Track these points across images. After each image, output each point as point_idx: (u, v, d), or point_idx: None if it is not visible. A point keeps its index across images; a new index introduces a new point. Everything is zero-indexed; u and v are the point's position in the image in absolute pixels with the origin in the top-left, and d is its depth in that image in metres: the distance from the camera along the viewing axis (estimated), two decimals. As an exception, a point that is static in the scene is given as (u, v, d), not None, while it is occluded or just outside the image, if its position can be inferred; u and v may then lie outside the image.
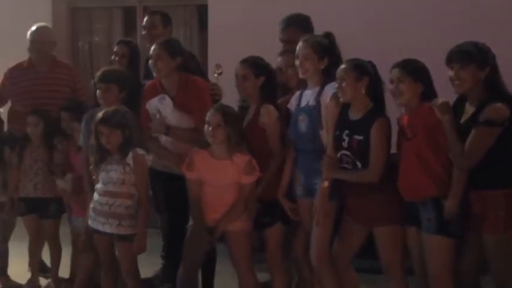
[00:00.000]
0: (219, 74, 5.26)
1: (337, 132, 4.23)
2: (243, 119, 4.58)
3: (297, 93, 4.52)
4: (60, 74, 5.79)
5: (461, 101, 4.13)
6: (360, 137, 4.14)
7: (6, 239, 5.56)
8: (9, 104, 5.91)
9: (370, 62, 4.26)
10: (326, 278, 4.37)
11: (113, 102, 4.73)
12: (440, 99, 3.97)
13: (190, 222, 4.55)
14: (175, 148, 4.82)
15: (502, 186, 3.98)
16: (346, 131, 4.19)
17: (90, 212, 4.58)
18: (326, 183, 4.23)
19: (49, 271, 5.57)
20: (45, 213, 5.38)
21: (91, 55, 8.79)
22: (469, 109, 4.06)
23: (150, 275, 5.47)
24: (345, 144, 4.20)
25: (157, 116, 4.80)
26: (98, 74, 4.90)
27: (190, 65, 5.10)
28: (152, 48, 4.88)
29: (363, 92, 4.16)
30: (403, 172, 4.11)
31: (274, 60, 4.87)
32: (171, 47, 4.82)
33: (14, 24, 7.94)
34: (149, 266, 5.46)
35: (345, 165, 4.23)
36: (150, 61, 4.87)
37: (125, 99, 4.84)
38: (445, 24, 6.43)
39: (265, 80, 4.59)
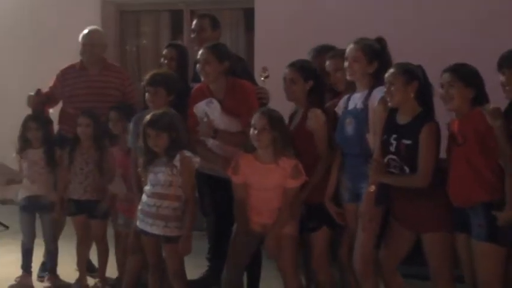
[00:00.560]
0: (266, 77, 5.27)
1: (385, 137, 4.20)
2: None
3: (345, 96, 4.50)
4: (110, 76, 5.83)
5: (512, 106, 4.08)
6: (408, 142, 4.10)
7: (55, 239, 5.62)
8: (60, 105, 5.97)
9: (419, 66, 4.22)
10: (368, 283, 4.34)
11: (161, 105, 4.77)
12: (491, 105, 3.91)
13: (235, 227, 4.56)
14: (222, 151, 4.83)
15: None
16: (394, 135, 4.16)
17: (138, 214, 4.62)
18: (372, 188, 4.21)
19: (97, 271, 5.62)
20: (93, 213, 5.43)
21: (138, 58, 8.88)
22: (521, 115, 4.00)
23: (196, 277, 5.49)
24: (392, 149, 4.16)
25: (205, 119, 4.81)
26: (147, 77, 4.94)
27: (237, 68, 5.11)
28: (200, 52, 4.89)
29: (412, 96, 4.13)
30: (453, 178, 4.06)
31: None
32: (218, 51, 4.82)
33: (63, 28, 8.09)
34: (195, 268, 5.48)
35: (392, 170, 4.19)
36: (197, 65, 4.88)
37: (174, 102, 4.88)
38: (493, 28, 6.36)
39: (314, 84, 4.58)
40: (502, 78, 4.01)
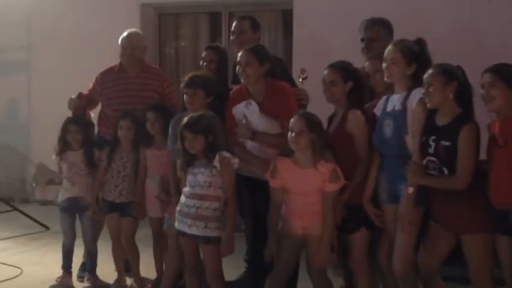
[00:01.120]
0: (304, 78, 5.25)
1: (424, 138, 4.16)
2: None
3: (384, 97, 4.47)
4: (149, 79, 5.83)
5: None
6: (447, 143, 4.06)
7: (95, 240, 5.68)
8: (99, 107, 6.03)
9: (458, 66, 4.18)
10: (408, 285, 4.31)
11: (199, 107, 4.79)
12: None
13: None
14: (260, 153, 4.82)
15: None
16: (433, 137, 4.12)
17: (177, 215, 4.64)
18: (411, 190, 4.17)
19: (132, 271, 5.67)
20: (125, 212, 5.46)
21: (177, 60, 8.92)
22: None
23: (233, 279, 5.50)
24: (431, 150, 4.12)
25: (244, 121, 4.81)
26: (185, 79, 4.95)
27: (276, 70, 5.10)
28: (240, 54, 4.88)
29: (451, 97, 4.08)
30: (494, 180, 4.01)
31: (358, 65, 4.84)
32: (259, 53, 4.81)
33: (103, 30, 8.18)
34: (233, 269, 5.50)
35: (431, 172, 4.15)
36: (237, 67, 4.88)
37: (214, 103, 4.89)
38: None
39: (353, 85, 4.56)
40: None
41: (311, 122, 4.34)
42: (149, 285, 5.50)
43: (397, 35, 4.49)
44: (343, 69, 4.59)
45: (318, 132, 4.35)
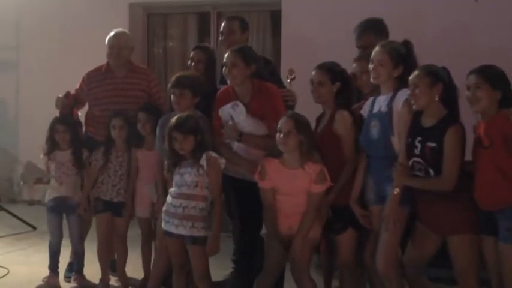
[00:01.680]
0: (292, 79, 5.26)
1: (410, 139, 4.17)
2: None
3: (370, 99, 4.48)
4: (136, 78, 5.82)
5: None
6: (433, 144, 4.07)
7: (82, 240, 5.66)
8: (86, 107, 6.02)
9: (444, 68, 4.19)
10: (392, 285, 4.31)
11: (186, 107, 4.79)
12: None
13: (263, 230, 4.56)
14: (247, 155, 4.81)
15: None
16: (419, 138, 4.13)
17: (163, 215, 4.64)
18: (397, 190, 4.18)
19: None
20: (119, 212, 5.47)
21: (166, 60, 8.92)
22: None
23: (220, 279, 5.50)
24: (417, 152, 4.14)
25: (230, 122, 4.81)
26: (172, 79, 4.95)
27: (263, 71, 5.10)
28: (226, 55, 4.88)
29: (437, 98, 4.10)
30: (480, 181, 4.03)
31: (346, 65, 4.85)
32: (245, 54, 4.80)
33: (91, 30, 8.16)
34: (220, 269, 5.50)
35: (417, 173, 4.16)
36: (224, 68, 4.88)
37: (202, 104, 4.89)
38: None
39: (341, 86, 4.57)
40: None
41: (299, 123, 4.35)
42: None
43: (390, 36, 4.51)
44: (330, 70, 4.60)
45: (306, 134, 4.35)
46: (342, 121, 4.49)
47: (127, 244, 5.59)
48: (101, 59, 5.91)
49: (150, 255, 5.48)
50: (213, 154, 4.52)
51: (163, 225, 4.65)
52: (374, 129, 4.33)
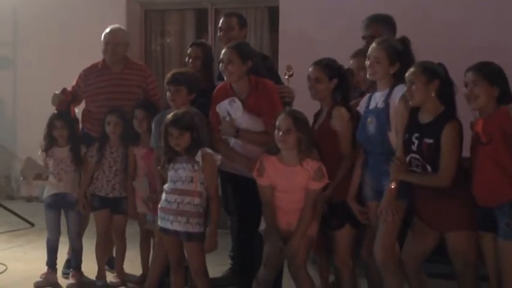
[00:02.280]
0: (290, 75, 5.26)
1: (407, 135, 4.18)
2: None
3: (367, 95, 4.49)
4: (132, 75, 5.82)
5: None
6: (430, 141, 4.07)
7: (80, 236, 5.66)
8: (83, 104, 6.01)
9: (440, 64, 4.19)
10: (390, 276, 4.31)
11: (182, 104, 4.80)
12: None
13: (261, 226, 4.56)
14: (244, 151, 4.81)
15: None
16: (416, 134, 4.13)
17: (159, 212, 4.64)
18: (393, 184, 4.19)
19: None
20: (117, 209, 5.48)
21: (163, 57, 8.91)
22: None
23: (218, 275, 5.50)
24: (414, 148, 4.14)
25: (227, 118, 4.81)
26: (168, 76, 4.94)
27: (260, 67, 5.10)
28: (223, 51, 4.88)
29: (433, 95, 4.10)
30: (478, 177, 4.03)
31: (344, 62, 4.85)
32: (242, 51, 4.80)
33: (89, 26, 8.14)
34: (218, 266, 5.50)
35: (414, 169, 4.17)
36: (220, 64, 4.88)
37: (200, 100, 4.89)
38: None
39: (338, 83, 4.57)
40: None
41: (298, 121, 4.34)
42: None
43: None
44: (328, 67, 4.60)
45: (304, 131, 4.35)
46: (339, 117, 4.49)
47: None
48: (98, 55, 5.91)
49: (149, 251, 5.47)
50: (209, 150, 4.52)
51: (159, 221, 4.65)
52: (371, 126, 4.33)
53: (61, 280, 5.65)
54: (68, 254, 5.80)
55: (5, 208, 7.73)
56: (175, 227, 4.52)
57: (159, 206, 4.63)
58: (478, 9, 6.72)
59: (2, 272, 5.85)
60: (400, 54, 4.31)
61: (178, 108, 4.69)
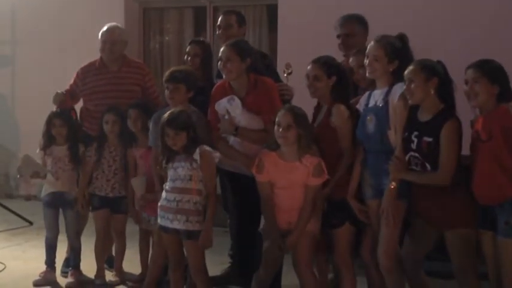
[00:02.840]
0: (289, 73, 5.24)
1: (406, 134, 4.17)
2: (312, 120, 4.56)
3: (366, 93, 4.48)
4: (130, 73, 5.82)
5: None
6: (430, 139, 4.06)
7: (79, 235, 5.65)
8: (80, 103, 6.00)
9: (439, 61, 4.18)
10: (393, 278, 4.31)
11: (180, 102, 4.79)
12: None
13: (262, 225, 4.55)
14: (243, 149, 4.81)
15: None
16: (415, 133, 4.13)
17: (159, 211, 4.64)
18: (393, 184, 4.18)
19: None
20: (117, 208, 5.48)
21: (162, 55, 8.90)
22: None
23: (218, 274, 5.48)
24: (413, 146, 4.13)
25: (226, 116, 4.80)
26: (166, 74, 4.93)
27: (259, 65, 5.09)
28: (221, 49, 4.87)
29: (432, 92, 4.09)
30: (478, 175, 4.02)
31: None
32: (240, 49, 4.80)
33: (87, 24, 8.13)
34: (217, 264, 5.50)
35: (414, 167, 4.16)
36: (219, 62, 4.87)
37: (199, 99, 4.89)
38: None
39: (337, 80, 4.56)
40: None
41: (298, 117, 4.34)
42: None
43: (379, 30, 4.48)
44: (326, 64, 4.58)
45: (304, 127, 4.35)
46: (339, 115, 4.48)
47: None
48: (97, 54, 5.90)
49: (148, 250, 5.47)
50: (207, 148, 4.51)
51: (159, 220, 4.65)
52: (370, 124, 4.32)
53: (60, 279, 5.63)
54: (67, 252, 5.79)
55: (4, 207, 7.72)
56: (175, 225, 4.52)
57: (159, 204, 4.63)
58: (477, 5, 6.72)
59: (1, 271, 5.84)
60: (398, 52, 4.30)
61: (177, 106, 4.69)
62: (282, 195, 4.44)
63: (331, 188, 4.47)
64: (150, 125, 5.03)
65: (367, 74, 4.38)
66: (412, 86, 4.08)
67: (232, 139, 4.85)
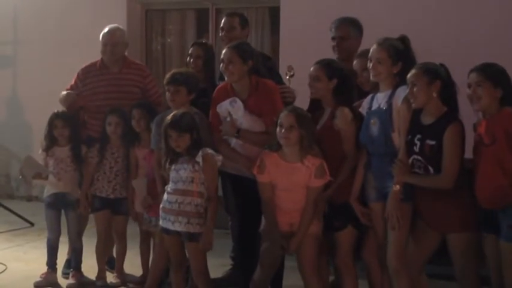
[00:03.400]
0: (291, 76, 5.25)
1: (409, 137, 4.17)
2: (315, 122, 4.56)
3: (369, 96, 4.48)
4: (130, 74, 5.81)
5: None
6: (433, 142, 4.06)
7: (80, 236, 5.65)
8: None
9: (442, 64, 4.18)
10: (403, 281, 4.29)
11: (182, 104, 4.79)
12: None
13: (262, 226, 4.55)
14: (245, 151, 4.80)
15: None
16: (418, 136, 4.13)
17: (160, 212, 4.63)
18: (397, 187, 4.18)
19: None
20: (118, 209, 5.48)
21: (164, 56, 8.90)
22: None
23: (219, 276, 5.48)
24: (416, 149, 4.13)
25: (228, 118, 4.80)
26: (167, 76, 4.93)
27: (261, 67, 5.09)
28: (223, 51, 4.87)
29: (435, 96, 4.09)
30: (481, 178, 4.02)
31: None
32: (242, 51, 4.79)
33: (89, 25, 8.13)
34: (220, 266, 5.50)
35: (417, 170, 4.16)
36: (221, 65, 4.87)
37: (202, 100, 4.89)
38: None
39: (338, 83, 4.55)
40: None
41: (301, 117, 4.33)
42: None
43: (380, 33, 4.49)
44: (328, 66, 4.59)
45: (307, 128, 4.34)
46: (343, 117, 4.47)
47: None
48: (98, 54, 5.89)
49: (149, 252, 5.47)
50: (210, 151, 4.51)
51: (160, 222, 4.64)
52: (374, 127, 4.32)
53: (61, 280, 5.63)
54: (68, 254, 5.78)
55: (5, 207, 7.72)
56: (177, 227, 4.52)
57: (161, 206, 4.63)
58: (479, 8, 6.73)
59: (2, 272, 5.84)
60: (401, 54, 4.30)
61: (178, 108, 4.68)
62: (283, 196, 4.44)
63: (334, 190, 4.46)
64: (153, 127, 5.03)
65: (371, 78, 4.38)
66: (415, 89, 4.07)
67: (234, 141, 4.84)
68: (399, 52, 4.30)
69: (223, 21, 5.64)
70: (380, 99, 4.34)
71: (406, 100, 4.16)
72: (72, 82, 5.89)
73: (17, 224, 7.48)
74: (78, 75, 5.89)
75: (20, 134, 8.94)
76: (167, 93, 4.88)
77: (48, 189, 5.60)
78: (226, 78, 4.88)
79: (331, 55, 4.82)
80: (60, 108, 5.65)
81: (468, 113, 4.15)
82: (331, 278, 4.98)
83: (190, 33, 8.69)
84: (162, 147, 4.60)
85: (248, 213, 4.84)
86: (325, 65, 4.60)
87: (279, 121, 4.36)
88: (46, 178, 5.59)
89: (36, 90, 8.45)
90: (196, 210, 4.50)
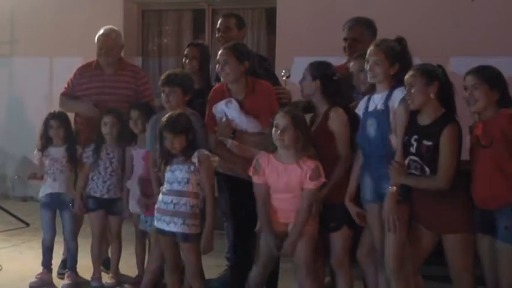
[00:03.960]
0: (287, 77, 5.25)
1: (406, 137, 4.17)
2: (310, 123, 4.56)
3: (365, 97, 4.47)
4: (124, 76, 5.83)
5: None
6: (429, 143, 4.06)
7: (75, 236, 5.64)
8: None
9: (439, 66, 4.18)
10: (402, 284, 4.28)
11: (177, 105, 4.78)
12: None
13: (257, 226, 4.55)
14: (240, 152, 4.81)
15: None
16: (415, 136, 4.12)
17: (155, 213, 4.63)
18: (394, 188, 4.18)
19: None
20: (113, 210, 5.47)
21: (160, 57, 8.90)
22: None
23: (214, 277, 5.48)
24: (413, 150, 4.13)
25: (224, 119, 4.80)
26: (162, 77, 4.92)
27: (257, 68, 5.08)
28: (219, 52, 4.86)
29: (433, 97, 4.09)
30: (478, 180, 4.03)
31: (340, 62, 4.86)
32: (238, 52, 4.79)
33: (86, 26, 8.11)
34: (215, 267, 5.50)
35: (413, 171, 4.16)
36: (217, 65, 4.86)
37: (199, 101, 4.89)
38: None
39: (322, 83, 4.55)
40: None
41: (296, 119, 4.33)
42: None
43: (381, 34, 4.49)
44: (312, 66, 4.61)
45: (302, 129, 4.34)
46: (337, 118, 4.48)
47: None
48: (95, 55, 5.89)
49: (144, 253, 5.46)
50: (205, 152, 4.51)
51: (155, 222, 4.64)
52: (371, 128, 4.31)
53: (56, 280, 5.63)
54: (63, 254, 5.78)
55: (0, 207, 7.70)
56: (172, 228, 4.51)
57: (156, 206, 4.62)
58: (477, 10, 6.74)
59: (-3, 272, 5.84)
60: (398, 55, 4.30)
61: (173, 109, 4.68)
62: (279, 198, 4.43)
63: (328, 190, 4.46)
64: (148, 128, 5.02)
65: (368, 79, 4.37)
66: (413, 90, 4.08)
67: (229, 142, 4.84)
68: (396, 53, 4.30)
69: (219, 22, 5.64)
70: (377, 101, 4.34)
71: (404, 102, 4.16)
72: (69, 81, 5.91)
73: (12, 224, 7.46)
74: (74, 75, 5.91)
75: (16, 134, 8.93)
76: (162, 94, 4.87)
77: (44, 189, 5.58)
78: (222, 79, 4.88)
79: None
80: (56, 108, 5.66)
81: (465, 115, 4.16)
82: (327, 279, 4.99)
83: (186, 34, 8.69)
84: (157, 148, 4.59)
85: (243, 214, 4.84)
86: (310, 65, 4.63)
87: (274, 122, 4.36)
88: (41, 178, 5.59)
89: (32, 90, 8.44)
90: (191, 211, 4.50)
